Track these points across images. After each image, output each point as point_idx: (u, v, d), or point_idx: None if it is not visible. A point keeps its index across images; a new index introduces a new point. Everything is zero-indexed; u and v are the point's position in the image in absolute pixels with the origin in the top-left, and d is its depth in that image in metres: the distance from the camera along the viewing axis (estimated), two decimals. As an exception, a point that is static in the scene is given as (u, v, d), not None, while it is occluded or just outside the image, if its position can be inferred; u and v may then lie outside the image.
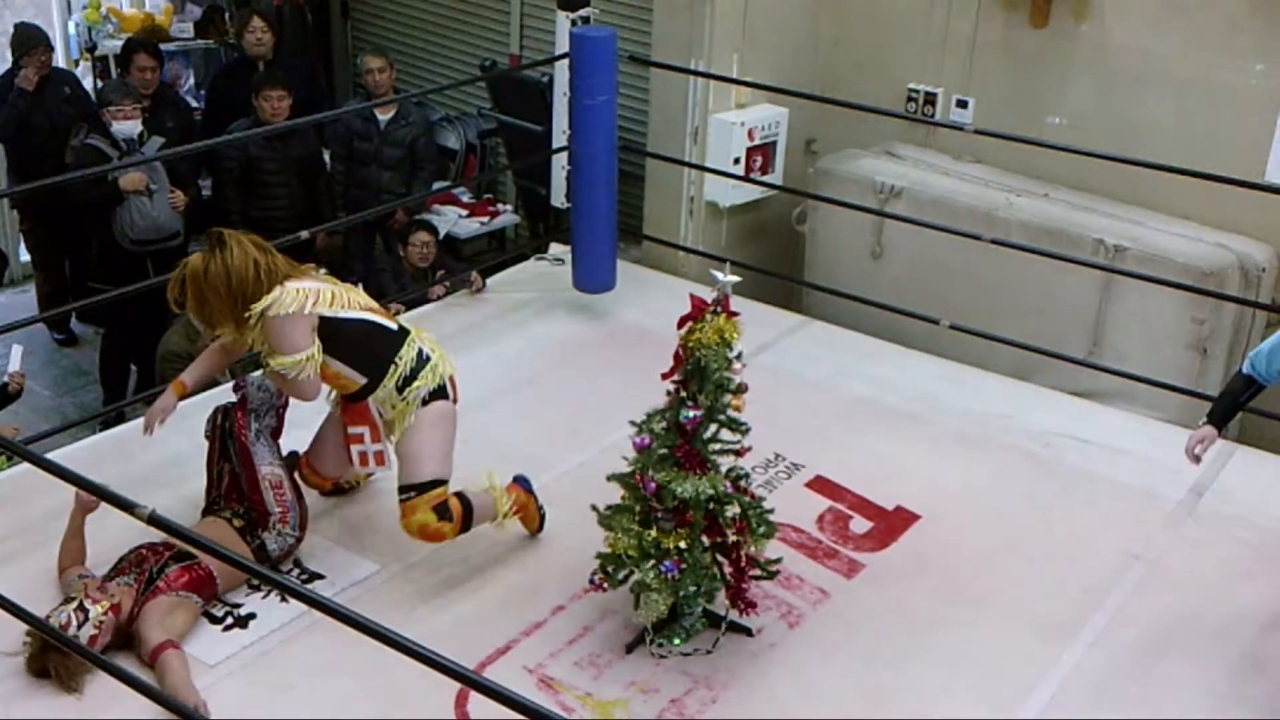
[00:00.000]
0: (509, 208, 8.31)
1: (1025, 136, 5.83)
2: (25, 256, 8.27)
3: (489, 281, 6.41)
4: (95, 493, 3.36)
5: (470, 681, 2.57)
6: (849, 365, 5.75)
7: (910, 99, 6.76)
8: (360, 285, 7.02)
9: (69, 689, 3.68)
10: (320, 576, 4.23)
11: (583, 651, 4.02)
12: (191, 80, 8.51)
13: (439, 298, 6.32)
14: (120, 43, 8.32)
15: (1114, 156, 5.52)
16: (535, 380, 5.61)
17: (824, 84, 6.48)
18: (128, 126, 6.62)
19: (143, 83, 7.19)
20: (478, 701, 3.64)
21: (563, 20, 6.12)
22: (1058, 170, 6.17)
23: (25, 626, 3.66)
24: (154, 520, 2.82)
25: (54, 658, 3.67)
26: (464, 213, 8.05)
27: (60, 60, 8.00)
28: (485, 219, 8.09)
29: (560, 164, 6.36)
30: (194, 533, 3.14)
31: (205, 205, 7.13)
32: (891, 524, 4.69)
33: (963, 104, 6.64)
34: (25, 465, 4.58)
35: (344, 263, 7.56)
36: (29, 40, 7.25)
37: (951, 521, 4.70)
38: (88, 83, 8.12)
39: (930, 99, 6.72)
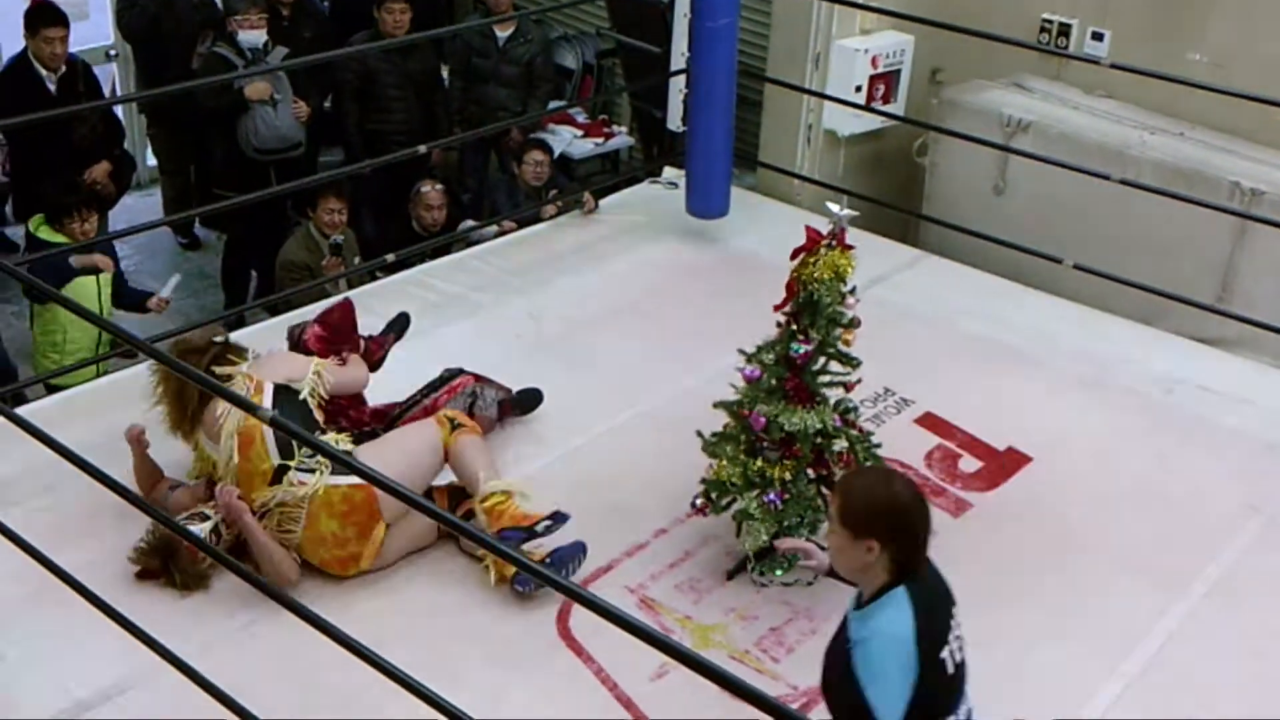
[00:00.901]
0: (624, 129, 8.26)
1: (1163, 73, 5.59)
2: (152, 161, 8.44)
3: (601, 203, 6.38)
4: (217, 390, 3.42)
5: (575, 595, 2.58)
6: (965, 302, 5.63)
7: (1043, 29, 6.53)
8: (472, 200, 7.18)
9: (188, 589, 3.79)
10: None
11: (683, 575, 4.03)
12: (317, -9, 8.54)
13: (551, 217, 6.32)
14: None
15: (1256, 96, 5.25)
16: (644, 303, 5.59)
17: (953, 11, 6.26)
18: (253, 36, 6.69)
19: None
20: (580, 617, 3.69)
21: (687, -61, 6.01)
22: (1196, 109, 5.93)
23: (128, 523, 3.77)
24: (275, 423, 2.86)
25: (182, 566, 3.78)
26: (579, 133, 8.03)
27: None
28: (600, 140, 8.06)
29: (678, 87, 6.27)
30: (310, 437, 3.17)
31: (327, 115, 7.19)
32: (1002, 464, 4.60)
33: (1098, 36, 6.39)
34: (133, 369, 4.75)
35: (458, 178, 7.61)
36: None
37: (1064, 465, 4.60)
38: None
39: (1064, 30, 6.48)
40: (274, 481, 3.82)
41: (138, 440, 4.06)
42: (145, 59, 7.51)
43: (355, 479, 3.74)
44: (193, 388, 3.88)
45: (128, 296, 5.84)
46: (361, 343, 4.42)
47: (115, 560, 3.83)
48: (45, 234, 5.57)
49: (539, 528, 3.89)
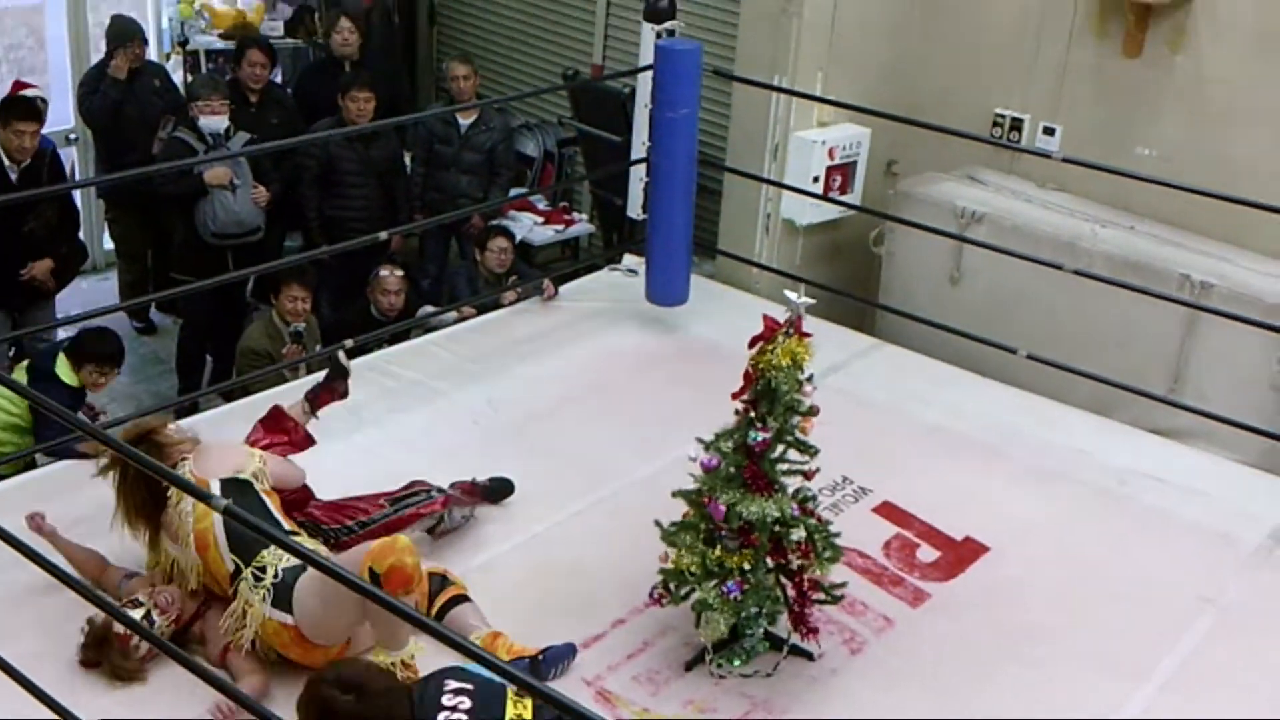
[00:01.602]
0: (584, 217, 8.33)
1: (1113, 167, 5.72)
2: (109, 245, 8.42)
3: (561, 289, 6.40)
4: (168, 477, 3.37)
5: (531, 689, 2.54)
6: (922, 391, 5.67)
7: (996, 124, 6.68)
8: (431, 286, 7.18)
9: (125, 680, 3.70)
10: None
11: (641, 667, 3.99)
12: (279, 77, 8.60)
13: (511, 303, 6.33)
14: (211, 38, 8.48)
15: (1205, 191, 5.38)
16: (603, 390, 5.59)
17: (908, 105, 6.40)
18: (215, 121, 6.72)
19: (253, 78, 7.33)
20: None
21: (648, 32, 6.11)
22: (1145, 202, 6.05)
23: (84, 617, 3.70)
24: (229, 512, 2.82)
25: (114, 659, 3.69)
26: (539, 220, 8.08)
27: (153, 54, 8.13)
28: (560, 227, 8.12)
29: (638, 175, 6.34)
30: (265, 526, 3.13)
31: (289, 201, 7.21)
32: (960, 554, 4.61)
33: (1050, 131, 6.54)
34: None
35: (418, 264, 7.62)
36: (124, 32, 7.39)
37: (1021, 555, 4.61)
38: (178, 77, 8.26)
39: (1016, 124, 6.63)
40: (232, 583, 3.77)
41: (40, 529, 3.95)
42: (106, 143, 7.52)
43: (284, 615, 3.66)
44: (140, 482, 3.82)
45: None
46: (305, 407, 4.39)
47: (61, 651, 3.74)
48: (66, 374, 5.25)
49: (541, 657, 3.84)
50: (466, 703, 3.11)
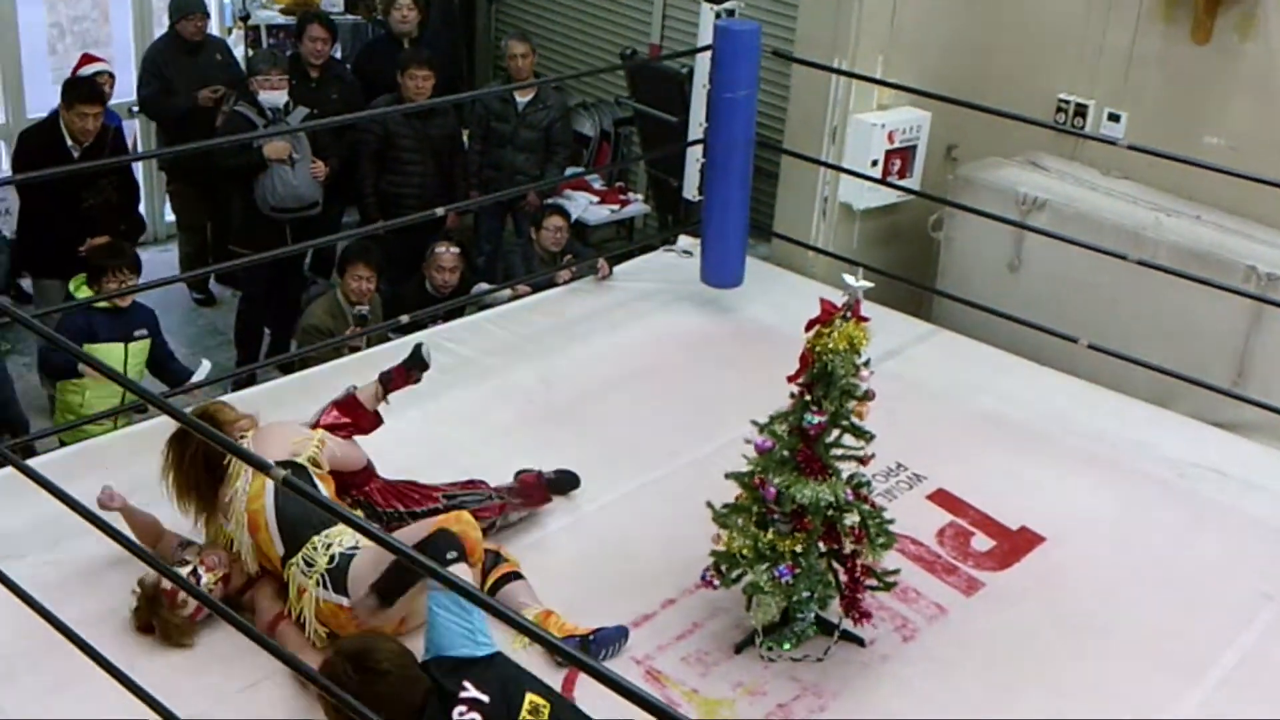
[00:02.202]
0: (639, 197, 8.31)
1: (1180, 155, 5.62)
2: (170, 216, 8.51)
3: (616, 270, 6.39)
4: (230, 448, 3.39)
5: (581, 664, 2.53)
6: (979, 378, 5.61)
7: (1060, 109, 6.59)
8: (486, 264, 7.20)
9: (177, 645, 3.74)
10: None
11: (691, 648, 3.98)
12: (339, 53, 8.65)
13: (565, 282, 6.33)
14: (273, 13, 8.53)
15: (1273, 181, 5.27)
16: (656, 371, 5.57)
17: (970, 90, 6.32)
18: (275, 96, 6.77)
19: (314, 53, 7.37)
20: (586, 686, 3.64)
21: (707, 12, 6.08)
22: (1212, 192, 5.95)
23: (135, 579, 3.75)
24: (288, 483, 2.83)
25: (163, 614, 3.73)
26: (595, 199, 8.07)
27: (214, 28, 8.19)
28: (615, 207, 8.10)
29: (695, 156, 6.31)
30: (324, 498, 3.15)
31: (343, 176, 7.25)
32: (1015, 544, 4.56)
33: (1115, 118, 6.44)
34: (152, 421, 4.74)
35: (473, 241, 7.65)
36: (186, 5, 7.45)
37: (1077, 546, 4.55)
38: (239, 52, 8.32)
39: (1081, 110, 6.54)
40: (283, 566, 3.79)
41: (110, 502, 3.97)
42: (162, 113, 7.58)
43: (339, 598, 3.68)
44: (198, 461, 3.87)
45: (168, 370, 5.78)
46: (368, 413, 4.35)
47: (119, 616, 3.79)
48: (84, 294, 5.52)
49: (592, 637, 3.84)
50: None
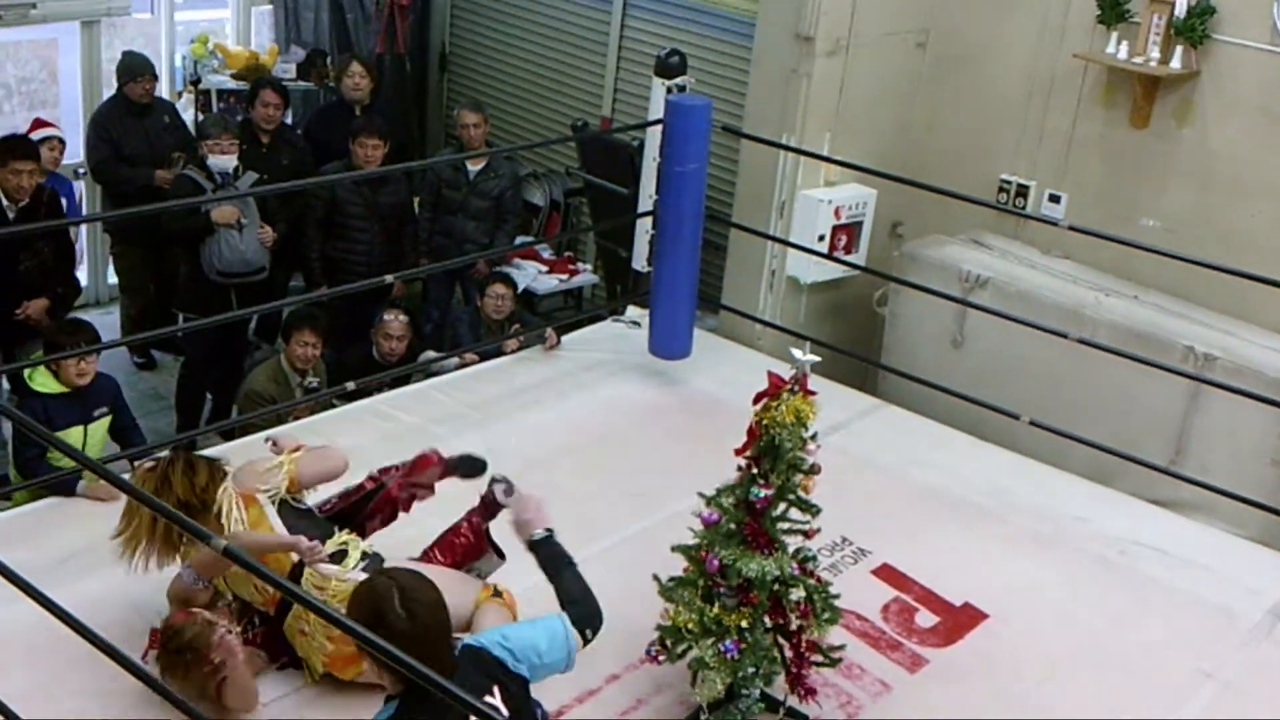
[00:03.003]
0: (588, 267, 8.35)
1: (1119, 236, 5.74)
2: (112, 279, 8.42)
3: (564, 339, 6.40)
4: (174, 519, 3.33)
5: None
6: (922, 453, 5.65)
7: (1002, 189, 6.72)
8: (434, 331, 7.18)
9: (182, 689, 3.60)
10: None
11: (635, 724, 3.95)
12: (290, 119, 8.67)
13: (513, 351, 6.32)
14: (224, 78, 8.54)
15: (1209, 263, 5.40)
16: (604, 441, 5.57)
17: (914, 168, 6.45)
18: (224, 161, 6.75)
19: (265, 119, 7.38)
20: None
21: (658, 86, 6.15)
22: (1149, 273, 6.08)
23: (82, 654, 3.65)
24: (229, 553, 2.79)
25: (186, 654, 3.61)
26: (544, 269, 8.10)
27: (164, 91, 8.19)
28: (564, 276, 8.13)
29: (645, 227, 6.36)
30: (264, 570, 3.09)
31: (291, 242, 7.22)
32: (959, 620, 4.57)
33: (1055, 198, 6.58)
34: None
35: (421, 309, 7.63)
36: (134, 67, 7.45)
37: (1020, 623, 4.57)
38: (189, 116, 8.31)
39: (1022, 191, 6.67)
40: (291, 578, 3.75)
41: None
42: (112, 179, 7.53)
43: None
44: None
45: (129, 442, 5.50)
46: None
47: (47, 689, 3.70)
48: (40, 383, 5.22)
49: None
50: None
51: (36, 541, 4.13)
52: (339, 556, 3.85)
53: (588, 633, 3.31)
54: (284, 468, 3.99)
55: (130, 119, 7.42)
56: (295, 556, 3.79)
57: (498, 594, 4.01)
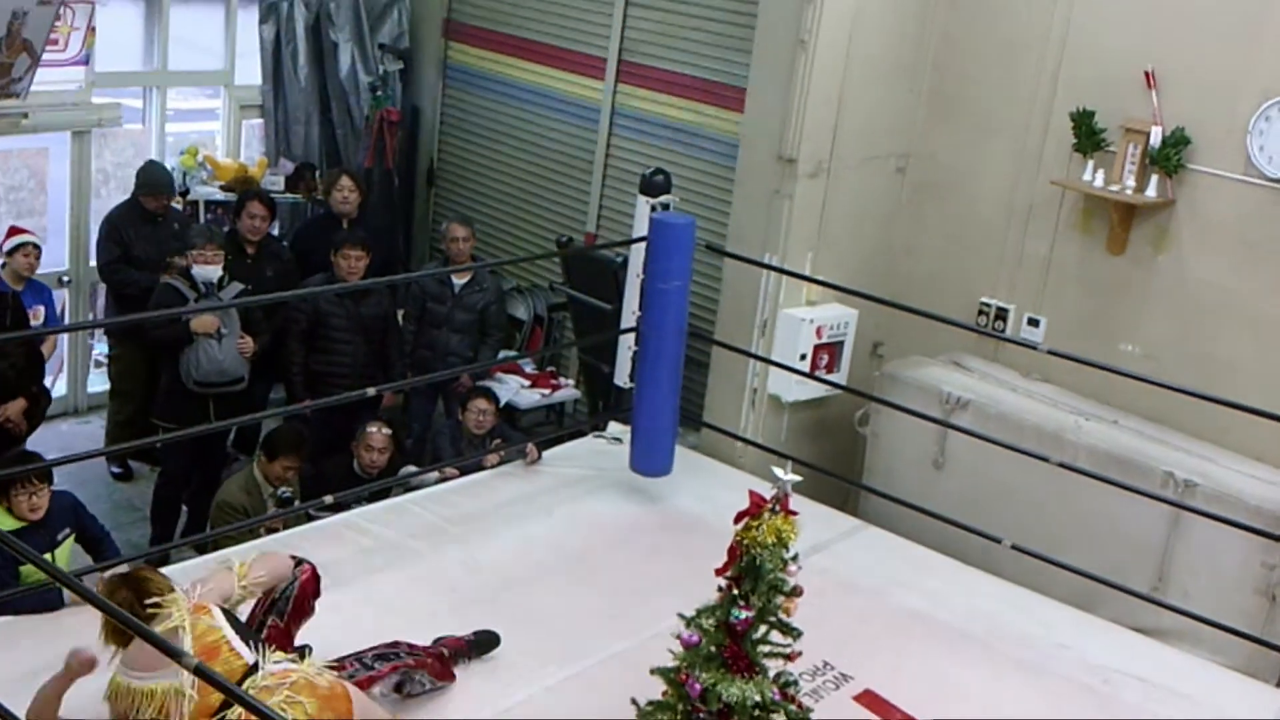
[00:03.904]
0: (570, 382, 8.35)
1: (1097, 361, 5.79)
2: (93, 388, 8.39)
3: (545, 454, 6.37)
4: (135, 629, 3.25)
5: None
6: (905, 575, 5.61)
7: (982, 312, 6.79)
8: (415, 444, 7.15)
9: None
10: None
11: None
12: (276, 231, 8.74)
13: (493, 466, 6.29)
14: (212, 189, 8.61)
15: (1188, 390, 5.45)
16: (583, 558, 5.51)
17: (895, 290, 6.53)
18: (208, 271, 6.78)
19: (251, 230, 7.44)
20: None
21: (643, 205, 6.23)
22: (1129, 398, 6.11)
23: None
24: (199, 671, 2.73)
25: None
26: (526, 383, 8.08)
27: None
28: (546, 391, 8.12)
29: (627, 344, 6.39)
30: (236, 689, 3.03)
31: (273, 354, 7.22)
32: (940, 749, 4.50)
33: (1034, 322, 6.65)
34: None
35: (402, 422, 7.60)
36: (157, 184, 7.60)
37: (1003, 752, 4.50)
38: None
39: (1002, 314, 6.74)
40: (242, 680, 3.64)
41: (80, 671, 3.71)
42: (120, 281, 7.56)
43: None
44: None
45: (101, 555, 5.33)
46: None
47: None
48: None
49: None
50: None
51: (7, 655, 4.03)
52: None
53: None
54: (239, 585, 3.94)
55: (143, 224, 7.52)
56: (249, 658, 3.70)
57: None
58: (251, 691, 3.59)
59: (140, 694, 3.63)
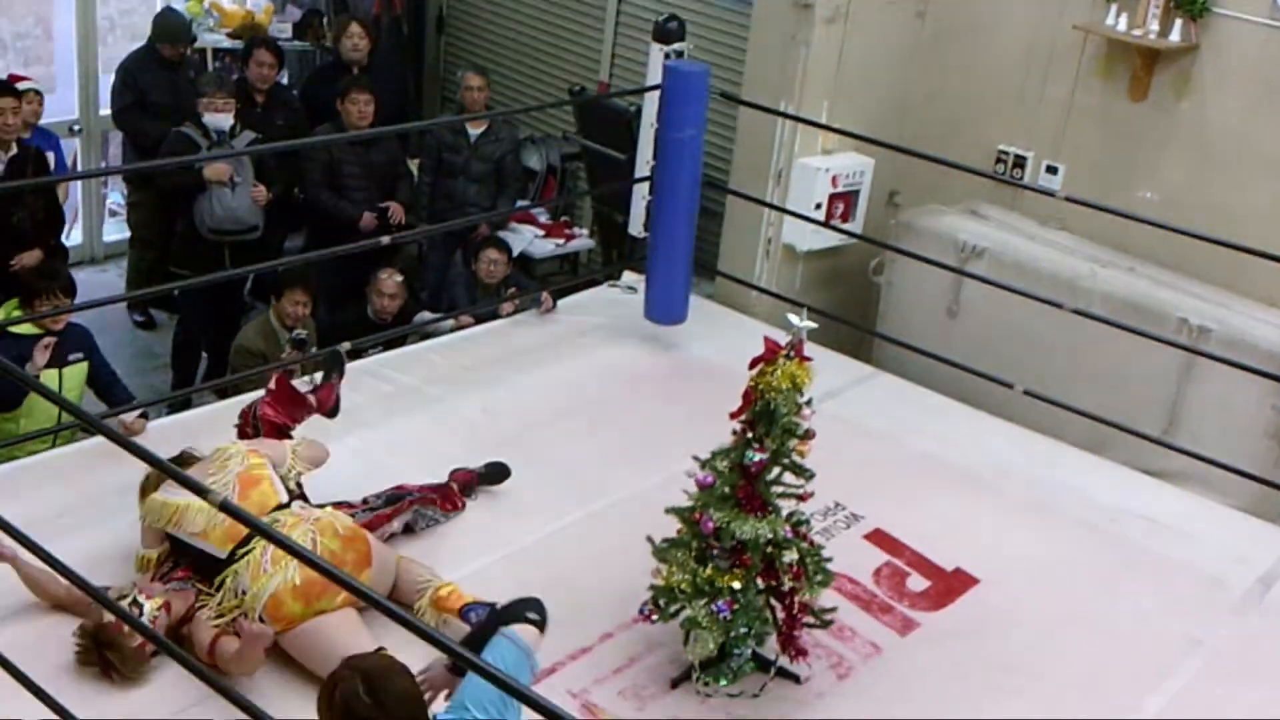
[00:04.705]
0: (584, 232, 8.34)
1: (1115, 208, 5.74)
2: (109, 237, 8.40)
3: (559, 304, 6.40)
4: (167, 471, 3.33)
5: (520, 696, 2.51)
6: (916, 421, 5.67)
7: (999, 159, 6.71)
8: (431, 296, 7.18)
9: (130, 679, 3.66)
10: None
11: (627, 682, 3.97)
12: (285, 79, 8.63)
13: (509, 314, 6.32)
14: (219, 37, 8.49)
15: (1205, 236, 5.41)
16: (598, 405, 5.58)
17: (912, 137, 6.44)
18: (219, 119, 6.72)
19: (260, 78, 7.35)
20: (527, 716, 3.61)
21: (656, 52, 6.13)
22: (1145, 245, 6.09)
23: (75, 625, 3.70)
24: (225, 507, 2.80)
25: (110, 649, 3.64)
26: (540, 233, 8.09)
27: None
28: (561, 241, 8.12)
29: (641, 193, 6.36)
30: (263, 522, 3.11)
31: (286, 203, 7.20)
32: (949, 585, 4.60)
33: (1052, 169, 6.58)
34: (93, 439, 4.67)
35: (417, 271, 7.62)
36: (173, 32, 7.52)
37: (1011, 589, 4.60)
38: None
39: (1020, 161, 6.67)
40: (271, 513, 3.87)
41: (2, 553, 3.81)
42: (135, 129, 7.52)
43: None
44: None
45: (113, 396, 5.53)
46: (311, 400, 4.51)
47: (55, 642, 3.71)
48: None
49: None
50: None
51: (35, 494, 4.12)
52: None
53: (532, 615, 3.17)
54: (291, 451, 4.18)
55: (159, 70, 7.43)
56: (283, 498, 3.93)
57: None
58: (276, 525, 3.70)
59: (171, 507, 3.89)
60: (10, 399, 5.21)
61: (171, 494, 3.89)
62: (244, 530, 3.73)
